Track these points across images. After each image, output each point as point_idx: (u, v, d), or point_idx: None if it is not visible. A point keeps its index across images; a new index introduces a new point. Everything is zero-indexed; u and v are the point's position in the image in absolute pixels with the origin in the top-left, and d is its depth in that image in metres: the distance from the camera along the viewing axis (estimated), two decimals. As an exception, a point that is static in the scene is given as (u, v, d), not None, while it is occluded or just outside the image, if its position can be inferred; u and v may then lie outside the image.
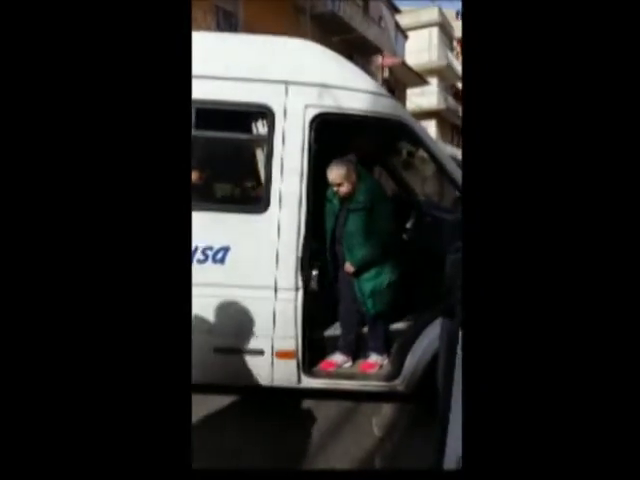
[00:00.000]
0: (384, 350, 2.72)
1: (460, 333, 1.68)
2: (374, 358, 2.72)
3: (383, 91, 2.69)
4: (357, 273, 2.57)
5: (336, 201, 2.63)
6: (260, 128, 2.44)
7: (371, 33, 14.88)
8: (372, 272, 2.55)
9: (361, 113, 2.43)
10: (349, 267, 2.55)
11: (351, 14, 13.63)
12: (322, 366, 2.68)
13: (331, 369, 2.67)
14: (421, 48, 20.93)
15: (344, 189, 2.50)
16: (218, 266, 2.35)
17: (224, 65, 2.36)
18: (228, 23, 9.51)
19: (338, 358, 2.73)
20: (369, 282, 2.55)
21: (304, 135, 2.36)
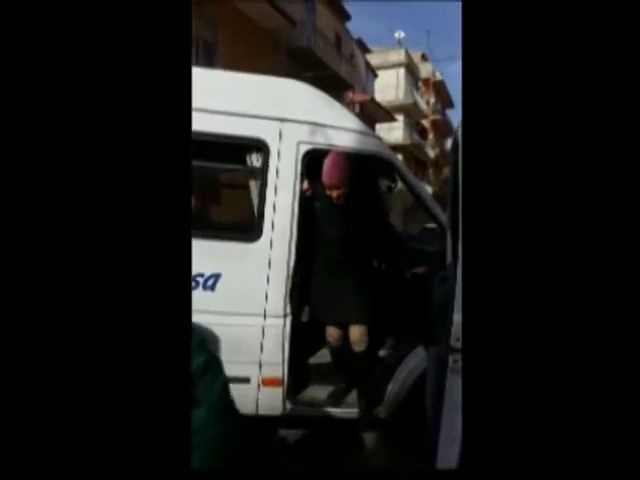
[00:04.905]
0: None
1: (450, 358, 1.79)
2: None
3: (368, 129, 2.87)
4: None
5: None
6: (255, 161, 2.54)
7: (343, 70, 15.48)
8: None
9: (349, 150, 2.59)
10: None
11: (324, 50, 14.17)
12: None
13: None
14: (389, 86, 21.99)
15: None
16: (208, 293, 2.38)
17: (225, 101, 2.46)
18: (207, 53, 9.66)
19: None
20: None
21: (296, 169, 2.49)
